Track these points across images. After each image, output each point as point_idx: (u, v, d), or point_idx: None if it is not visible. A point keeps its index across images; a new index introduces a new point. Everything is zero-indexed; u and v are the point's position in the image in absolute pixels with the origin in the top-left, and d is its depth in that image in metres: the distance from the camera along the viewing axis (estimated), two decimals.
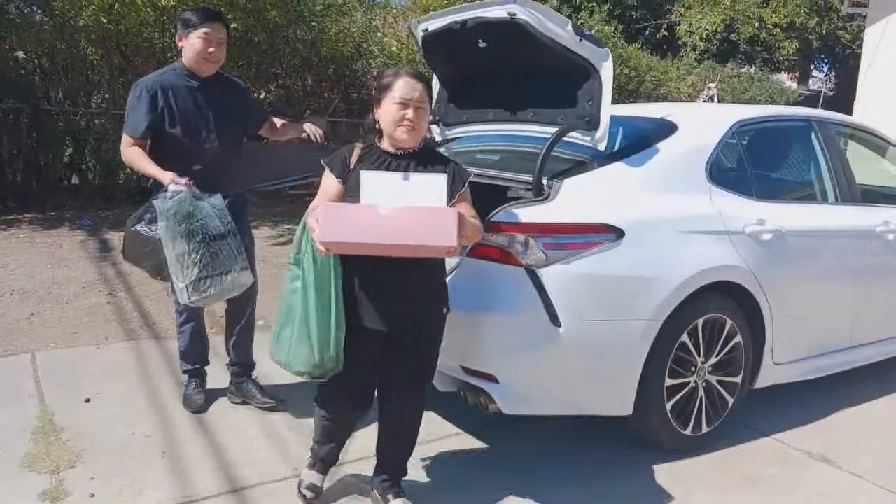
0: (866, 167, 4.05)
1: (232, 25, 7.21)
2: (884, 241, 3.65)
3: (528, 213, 2.70)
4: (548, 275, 2.64)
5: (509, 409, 2.72)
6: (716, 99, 13.63)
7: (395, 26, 10.02)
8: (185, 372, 3.34)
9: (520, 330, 2.66)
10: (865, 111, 7.93)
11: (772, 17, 14.86)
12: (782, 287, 3.21)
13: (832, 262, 3.47)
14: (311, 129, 3.28)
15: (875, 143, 4.11)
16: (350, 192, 2.25)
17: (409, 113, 2.24)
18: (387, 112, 2.26)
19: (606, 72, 2.77)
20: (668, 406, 2.96)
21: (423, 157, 2.35)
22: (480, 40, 3.06)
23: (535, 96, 3.16)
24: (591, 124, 2.83)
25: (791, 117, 3.75)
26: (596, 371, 2.80)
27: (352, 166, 2.29)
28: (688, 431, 3.05)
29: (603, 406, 2.90)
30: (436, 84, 3.61)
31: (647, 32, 17.43)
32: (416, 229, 1.98)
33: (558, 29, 2.73)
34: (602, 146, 2.86)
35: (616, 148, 3.12)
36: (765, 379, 3.32)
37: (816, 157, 3.62)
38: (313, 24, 8.81)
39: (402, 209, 1.98)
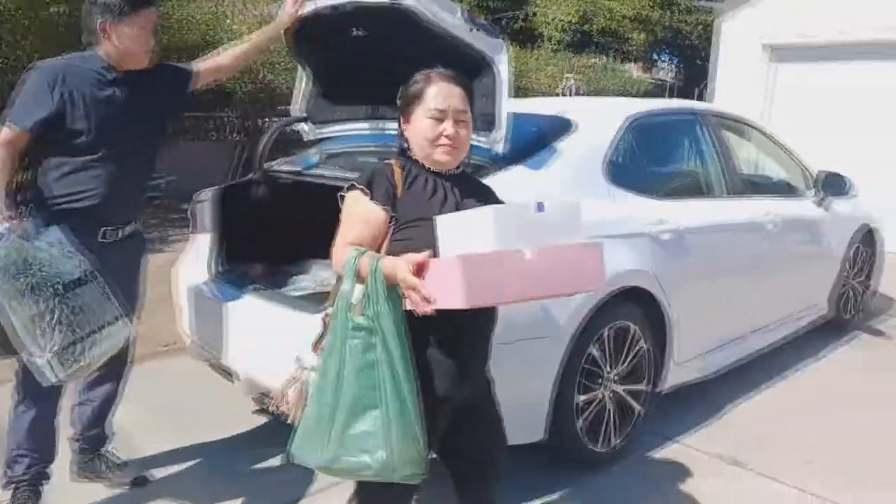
0: (747, 157, 4.09)
1: (55, 9, 6.29)
2: (768, 231, 3.67)
3: None
4: None
5: None
6: (573, 90, 13.96)
7: (244, 13, 9.28)
8: (12, 483, 2.37)
9: None
10: (721, 99, 8.29)
11: (622, 8, 15.47)
12: (683, 286, 3.10)
13: (727, 256, 3.43)
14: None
15: (748, 132, 4.16)
16: (401, 225, 1.73)
17: (448, 128, 1.76)
18: (419, 128, 1.78)
19: (503, 65, 2.49)
20: (580, 423, 2.76)
21: (463, 179, 1.89)
22: (357, 28, 2.67)
23: None
24: (488, 124, 2.54)
25: (679, 110, 3.68)
26: (506, 400, 2.52)
27: (399, 193, 1.75)
28: (599, 447, 2.87)
29: (513, 436, 2.62)
30: (303, 77, 3.18)
31: (504, 23, 17.59)
32: (566, 275, 1.59)
33: (448, 16, 2.40)
34: (500, 147, 2.57)
35: (512, 149, 2.85)
36: (669, 381, 3.22)
37: (705, 151, 3.57)
38: None
39: (549, 252, 1.57)
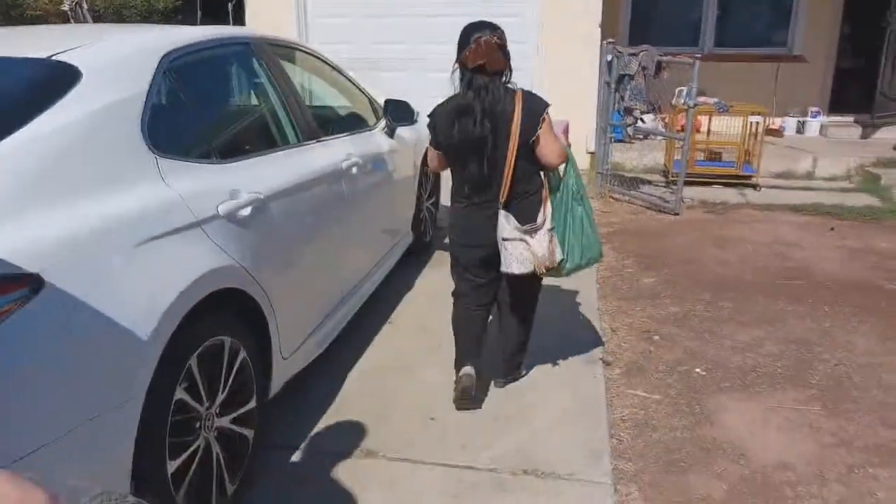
0: (312, 90, 3.53)
1: None
2: (351, 177, 3.24)
3: None
4: None
5: None
6: (84, 9, 11.63)
7: None
8: None
9: None
10: (255, 16, 7.56)
11: None
12: (278, 269, 2.50)
13: (318, 216, 2.89)
14: None
15: (308, 61, 3.60)
16: None
17: None
18: None
19: None
20: (181, 495, 2.00)
21: None
22: None
23: None
24: None
25: (229, 40, 2.80)
26: None
27: None
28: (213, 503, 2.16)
29: None
30: None
31: None
32: None
33: None
34: None
35: None
36: (278, 382, 2.63)
37: (268, 91, 2.87)
38: None
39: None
